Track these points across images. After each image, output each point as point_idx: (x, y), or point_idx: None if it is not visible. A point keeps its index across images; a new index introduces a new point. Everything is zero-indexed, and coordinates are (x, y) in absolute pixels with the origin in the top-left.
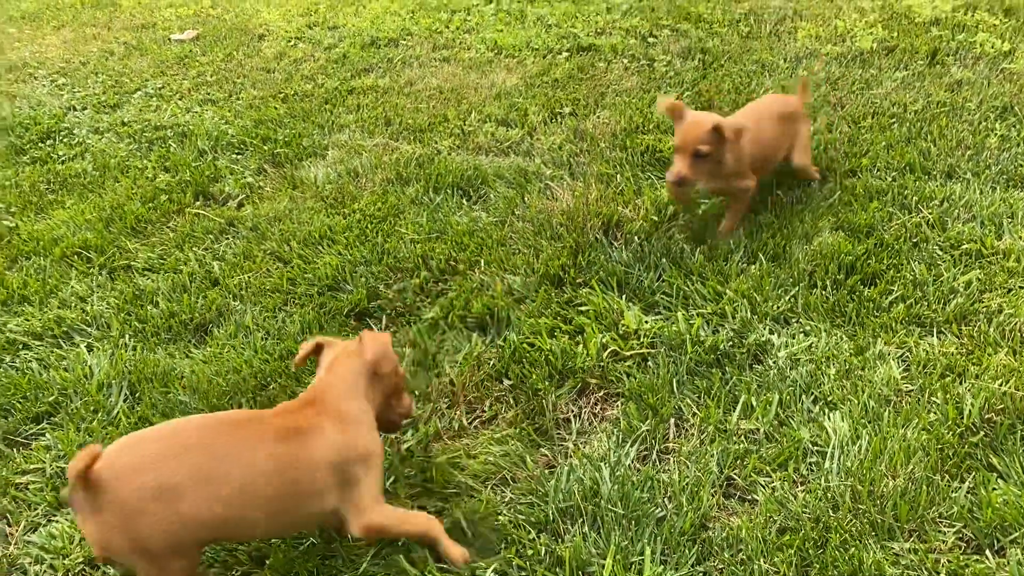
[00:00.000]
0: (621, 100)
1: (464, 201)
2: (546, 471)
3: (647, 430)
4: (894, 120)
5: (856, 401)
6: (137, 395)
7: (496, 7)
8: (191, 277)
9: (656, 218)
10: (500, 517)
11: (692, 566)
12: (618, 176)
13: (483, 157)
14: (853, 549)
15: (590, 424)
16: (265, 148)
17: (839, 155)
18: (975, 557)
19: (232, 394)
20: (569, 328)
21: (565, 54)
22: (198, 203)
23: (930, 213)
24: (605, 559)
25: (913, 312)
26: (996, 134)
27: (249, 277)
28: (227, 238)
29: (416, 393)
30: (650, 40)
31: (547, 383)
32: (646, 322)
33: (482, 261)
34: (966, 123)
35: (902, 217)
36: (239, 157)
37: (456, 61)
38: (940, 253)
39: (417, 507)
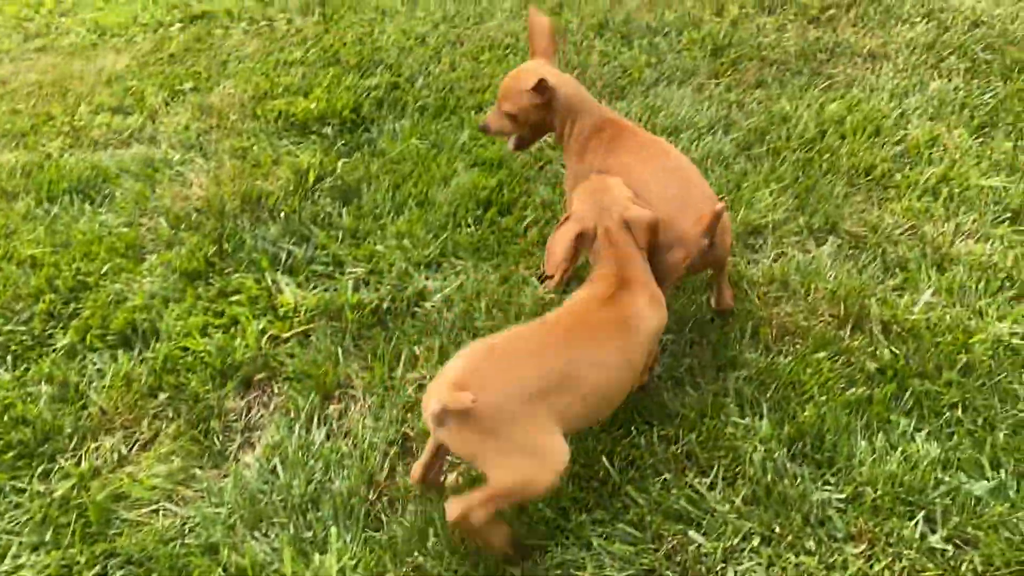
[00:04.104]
0: (245, 67)
1: (87, 206)
2: (222, 480)
3: (314, 407)
4: (508, 51)
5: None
6: None
7: None
8: None
9: (296, 186)
10: (171, 546)
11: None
12: (255, 147)
13: (102, 152)
14: None
15: (260, 417)
16: None
17: (464, 92)
18: None
19: None
20: (223, 321)
21: (178, 25)
22: None
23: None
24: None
25: (545, 233)
26: (596, 50)
27: None
28: None
29: None
30: None
31: (209, 386)
32: (304, 297)
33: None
34: (571, 44)
35: None
36: None
37: (54, 49)
38: (563, 171)
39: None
